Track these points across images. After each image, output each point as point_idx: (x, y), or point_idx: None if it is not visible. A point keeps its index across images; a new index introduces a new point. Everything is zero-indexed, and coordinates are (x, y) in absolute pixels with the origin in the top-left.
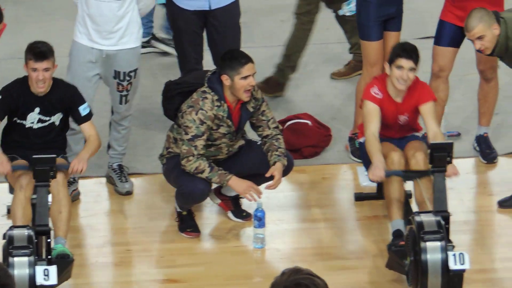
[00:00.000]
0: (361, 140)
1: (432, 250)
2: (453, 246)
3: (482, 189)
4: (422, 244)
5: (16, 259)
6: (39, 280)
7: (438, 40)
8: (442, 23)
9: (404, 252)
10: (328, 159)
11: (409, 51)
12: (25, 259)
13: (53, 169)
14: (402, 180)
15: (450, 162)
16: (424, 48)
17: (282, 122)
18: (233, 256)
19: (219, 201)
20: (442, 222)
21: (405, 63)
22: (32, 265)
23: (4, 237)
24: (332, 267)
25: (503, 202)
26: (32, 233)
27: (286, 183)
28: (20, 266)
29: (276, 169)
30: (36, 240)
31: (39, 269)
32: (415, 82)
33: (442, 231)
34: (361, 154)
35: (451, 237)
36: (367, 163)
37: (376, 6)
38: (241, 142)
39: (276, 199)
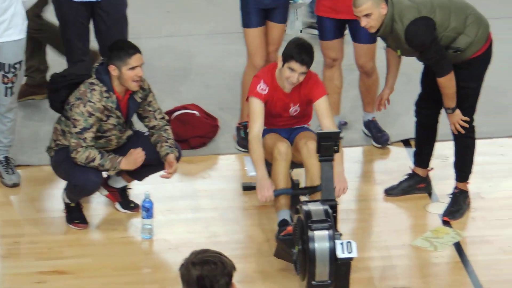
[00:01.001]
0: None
1: (319, 239)
2: (341, 235)
3: (369, 178)
4: (310, 233)
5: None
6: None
7: (322, 35)
8: (320, 19)
9: (292, 241)
10: (215, 150)
11: (304, 57)
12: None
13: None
14: (288, 168)
15: (337, 151)
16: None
17: (170, 112)
18: (121, 247)
19: (106, 192)
20: (330, 211)
21: (298, 67)
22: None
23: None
24: None
25: (389, 190)
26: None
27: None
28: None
29: (171, 160)
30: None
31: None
32: (307, 76)
33: (330, 220)
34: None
35: (339, 226)
36: None
37: None
38: (129, 132)
39: (164, 190)
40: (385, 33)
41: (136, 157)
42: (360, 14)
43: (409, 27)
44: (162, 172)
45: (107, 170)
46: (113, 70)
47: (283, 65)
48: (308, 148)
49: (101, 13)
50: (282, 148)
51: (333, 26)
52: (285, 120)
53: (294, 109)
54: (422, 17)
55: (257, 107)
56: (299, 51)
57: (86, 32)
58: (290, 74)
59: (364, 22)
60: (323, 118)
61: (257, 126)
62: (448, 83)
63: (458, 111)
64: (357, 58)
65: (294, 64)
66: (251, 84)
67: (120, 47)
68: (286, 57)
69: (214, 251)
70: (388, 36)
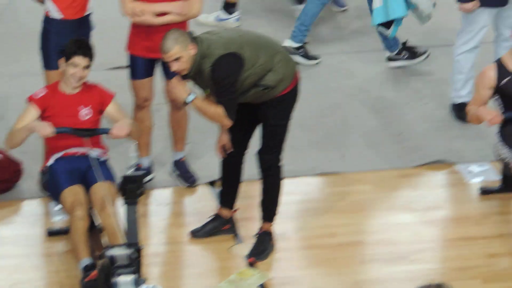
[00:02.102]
0: (49, 163)
1: (124, 284)
2: (145, 279)
3: (176, 219)
4: (114, 279)
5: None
6: None
7: (134, 74)
8: (132, 58)
9: (97, 286)
10: (19, 194)
11: (84, 50)
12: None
13: None
14: (86, 220)
15: (142, 194)
16: (115, 78)
17: None
18: None
19: None
20: (134, 255)
21: (81, 61)
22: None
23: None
24: None
25: (195, 232)
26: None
27: None
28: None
29: None
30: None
31: None
32: (89, 84)
33: (134, 265)
34: (49, 185)
35: (144, 270)
36: (55, 195)
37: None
38: None
39: None
40: (195, 72)
41: None
42: (169, 59)
43: (216, 63)
44: None
45: None
46: None
47: (66, 65)
48: (106, 214)
49: None
50: (79, 212)
51: (144, 65)
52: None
53: (83, 113)
54: (230, 53)
55: (27, 110)
56: (79, 46)
57: None
58: (74, 70)
59: (174, 67)
60: (120, 117)
61: (19, 124)
62: (217, 118)
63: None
64: (168, 93)
65: (77, 59)
66: None
67: None
68: (67, 55)
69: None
70: (197, 76)
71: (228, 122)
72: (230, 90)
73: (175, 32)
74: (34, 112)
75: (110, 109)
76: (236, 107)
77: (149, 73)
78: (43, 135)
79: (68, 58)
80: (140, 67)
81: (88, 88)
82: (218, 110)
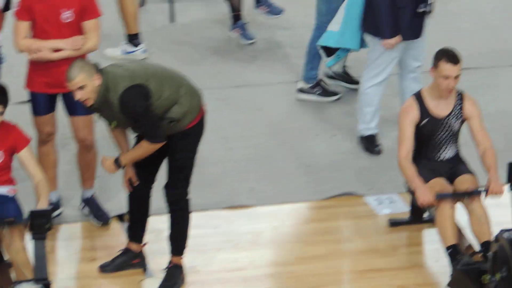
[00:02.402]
0: None
1: None
2: None
3: (83, 254)
4: None
5: None
6: None
7: (36, 110)
8: (33, 95)
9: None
10: None
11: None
12: None
13: None
14: None
15: (50, 229)
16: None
17: None
18: None
19: None
20: None
21: None
22: None
23: None
24: None
25: (104, 266)
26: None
27: None
28: None
29: None
30: None
31: None
32: (5, 125)
33: None
34: None
35: None
36: None
37: None
38: None
39: None
40: (100, 104)
41: None
42: (74, 88)
43: (123, 95)
44: None
45: None
46: None
47: None
48: (14, 249)
49: None
50: None
51: (47, 101)
52: None
53: None
54: (136, 85)
55: None
56: None
57: None
58: None
59: (79, 95)
60: (30, 166)
61: None
62: (147, 150)
63: (116, 163)
64: (76, 133)
65: None
66: None
67: None
68: None
69: None
70: (103, 108)
71: (161, 144)
72: (146, 115)
73: (81, 61)
74: None
75: (22, 154)
76: (158, 127)
77: (51, 108)
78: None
79: None
80: (42, 103)
81: (4, 129)
82: (145, 145)
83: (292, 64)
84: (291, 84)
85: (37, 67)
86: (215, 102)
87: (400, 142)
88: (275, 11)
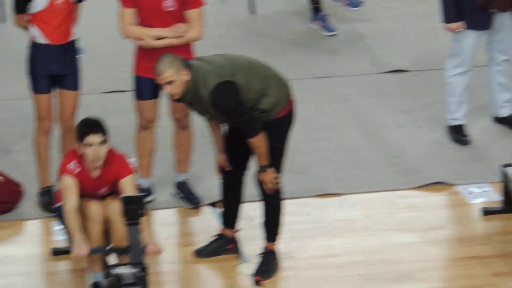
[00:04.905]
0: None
1: None
2: None
3: (178, 239)
4: None
5: None
6: None
7: (139, 95)
8: (138, 79)
9: None
10: (21, 215)
11: (94, 128)
12: None
13: None
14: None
15: (142, 215)
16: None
17: None
18: None
19: None
20: (140, 274)
21: (93, 139)
22: None
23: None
24: None
25: (200, 251)
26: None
27: None
28: None
29: None
30: None
31: None
32: (111, 156)
33: (140, 283)
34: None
35: None
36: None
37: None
38: None
39: None
40: (189, 99)
41: None
42: (163, 82)
43: (213, 92)
44: None
45: None
46: None
47: (81, 147)
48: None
49: None
50: (93, 208)
51: (150, 86)
52: (92, 195)
53: (102, 192)
54: (224, 81)
55: (70, 184)
56: (88, 125)
57: None
58: (89, 150)
59: (168, 89)
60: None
61: (71, 200)
62: (259, 143)
63: (270, 170)
64: (174, 114)
65: (89, 138)
66: (62, 163)
67: None
68: (79, 138)
69: None
70: (194, 103)
71: (261, 134)
72: (239, 111)
73: (170, 56)
74: (74, 181)
75: (123, 182)
76: (254, 120)
77: (154, 94)
78: (75, 255)
79: (80, 140)
80: (146, 88)
81: (110, 159)
82: (253, 142)
83: (375, 55)
84: (374, 76)
85: (143, 52)
86: (299, 93)
87: None
88: (355, 3)
